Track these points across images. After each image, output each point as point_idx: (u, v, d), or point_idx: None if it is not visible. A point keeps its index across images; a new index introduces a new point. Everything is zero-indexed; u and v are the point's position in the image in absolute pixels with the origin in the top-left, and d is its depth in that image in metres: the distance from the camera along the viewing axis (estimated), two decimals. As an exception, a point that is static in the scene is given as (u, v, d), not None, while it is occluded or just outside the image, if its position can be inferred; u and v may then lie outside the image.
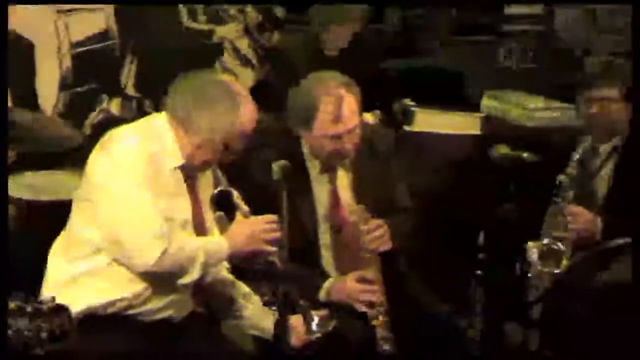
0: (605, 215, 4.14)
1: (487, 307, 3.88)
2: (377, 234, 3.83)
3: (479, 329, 3.89)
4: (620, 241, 3.71)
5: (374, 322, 3.79)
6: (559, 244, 4.06)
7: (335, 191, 3.93)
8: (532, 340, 4.10)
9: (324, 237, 3.94)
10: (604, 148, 4.23)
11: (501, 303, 3.86)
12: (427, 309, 3.88)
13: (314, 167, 3.93)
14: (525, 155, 3.78)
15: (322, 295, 3.87)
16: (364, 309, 3.80)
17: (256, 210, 3.51)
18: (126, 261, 3.35)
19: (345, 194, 3.90)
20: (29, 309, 2.73)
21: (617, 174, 4.17)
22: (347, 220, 3.91)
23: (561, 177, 4.05)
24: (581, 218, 4.10)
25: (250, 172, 3.92)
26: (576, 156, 4.09)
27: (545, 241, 4.07)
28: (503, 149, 3.84)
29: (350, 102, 3.79)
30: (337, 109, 3.76)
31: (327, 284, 3.88)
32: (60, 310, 2.74)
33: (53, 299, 2.72)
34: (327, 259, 3.96)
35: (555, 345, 4.21)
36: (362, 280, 3.84)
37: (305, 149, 3.92)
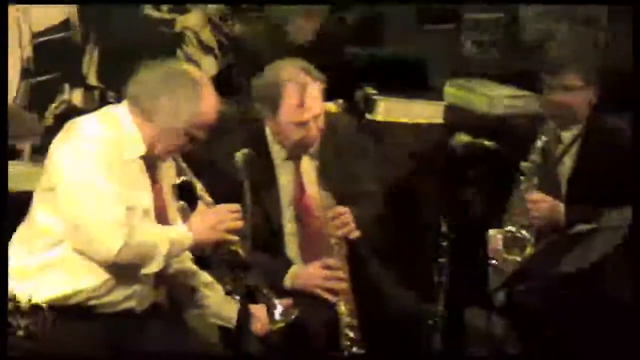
0: (569, 201, 4.16)
1: (451, 294, 3.88)
2: (341, 221, 3.83)
3: (443, 316, 3.90)
4: (585, 227, 3.73)
5: (339, 310, 3.80)
6: (523, 231, 4.07)
7: (300, 179, 3.94)
8: (496, 327, 4.11)
9: (289, 225, 3.94)
10: (567, 135, 4.25)
11: (465, 290, 3.87)
12: (391, 296, 3.89)
13: (278, 155, 3.93)
14: (487, 143, 3.78)
15: (286, 283, 3.87)
16: (328, 296, 3.80)
17: (221, 199, 3.51)
18: (88, 251, 3.33)
19: (310, 182, 3.90)
20: (9, 306, 2.72)
21: (580, 160, 4.19)
22: (312, 208, 3.91)
23: (524, 165, 4.06)
24: (543, 205, 4.11)
25: (214, 161, 3.91)
26: (539, 143, 4.10)
27: (509, 228, 4.08)
28: (464, 137, 3.83)
29: (314, 89, 3.80)
30: (302, 96, 3.77)
31: (291, 272, 3.88)
32: (37, 308, 2.74)
33: (30, 298, 2.72)
34: (291, 247, 3.96)
35: (520, 332, 4.23)
36: (326, 267, 3.84)
37: (270, 137, 3.92)
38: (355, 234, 3.86)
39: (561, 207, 4.12)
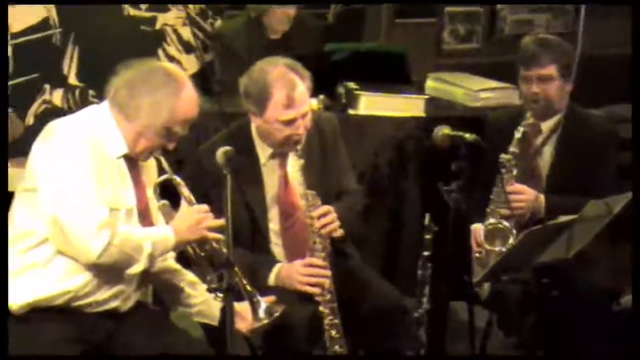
0: (549, 191, 4.17)
1: (435, 287, 3.89)
2: (327, 220, 3.83)
3: (427, 309, 3.91)
4: (566, 218, 3.73)
5: (321, 308, 3.80)
6: (505, 222, 4.09)
7: (285, 177, 3.93)
8: (479, 319, 4.13)
9: (274, 223, 3.93)
10: (546, 125, 4.26)
11: (449, 283, 3.87)
12: (375, 291, 3.89)
13: (263, 154, 3.92)
14: (467, 136, 3.78)
15: (270, 281, 3.87)
16: (311, 291, 3.80)
17: (206, 197, 3.50)
18: (72, 252, 3.32)
19: (296, 180, 3.89)
20: None
21: (560, 150, 4.20)
22: (297, 206, 3.91)
23: (504, 156, 4.07)
24: (524, 196, 4.12)
25: (198, 159, 3.91)
26: (518, 135, 4.11)
27: (491, 220, 4.10)
28: (446, 130, 3.84)
29: (301, 87, 3.79)
30: (290, 94, 3.76)
31: (275, 270, 3.87)
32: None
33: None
34: (276, 244, 3.95)
35: (505, 324, 4.24)
36: (310, 265, 3.84)
37: (255, 135, 3.91)
38: (339, 232, 3.86)
39: (541, 197, 4.15)
